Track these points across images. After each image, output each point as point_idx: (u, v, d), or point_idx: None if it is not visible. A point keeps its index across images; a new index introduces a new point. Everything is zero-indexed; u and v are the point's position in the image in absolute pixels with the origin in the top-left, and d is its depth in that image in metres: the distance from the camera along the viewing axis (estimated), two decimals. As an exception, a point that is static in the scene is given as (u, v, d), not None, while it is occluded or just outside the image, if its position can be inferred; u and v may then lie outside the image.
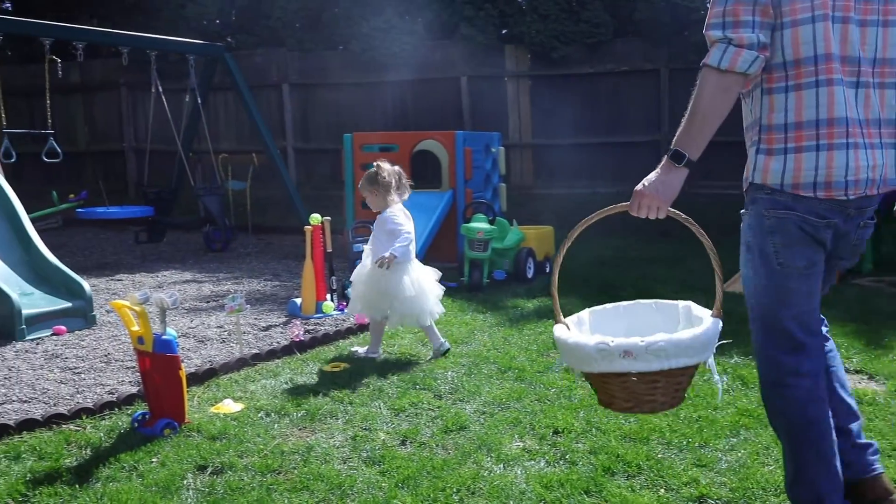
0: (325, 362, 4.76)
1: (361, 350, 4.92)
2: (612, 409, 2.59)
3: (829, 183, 2.32)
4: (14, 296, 5.44)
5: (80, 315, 5.73)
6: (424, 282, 4.76)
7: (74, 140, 13.90)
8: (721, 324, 2.48)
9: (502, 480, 3.15)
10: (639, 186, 2.42)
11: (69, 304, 5.70)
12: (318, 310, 5.85)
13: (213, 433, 3.65)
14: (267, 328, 5.55)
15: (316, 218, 5.93)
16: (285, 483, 3.17)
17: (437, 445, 3.53)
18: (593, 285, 6.81)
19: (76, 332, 5.59)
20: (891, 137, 2.40)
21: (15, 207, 6.24)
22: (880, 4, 2.32)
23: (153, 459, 3.39)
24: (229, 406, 3.97)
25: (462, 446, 3.50)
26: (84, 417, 3.84)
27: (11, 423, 3.70)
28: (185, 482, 3.19)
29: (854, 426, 2.57)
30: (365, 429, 3.72)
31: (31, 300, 5.66)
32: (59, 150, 8.21)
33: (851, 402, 2.61)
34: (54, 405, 4.02)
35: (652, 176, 2.41)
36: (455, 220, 8.52)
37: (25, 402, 4.10)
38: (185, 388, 3.73)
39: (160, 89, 9.10)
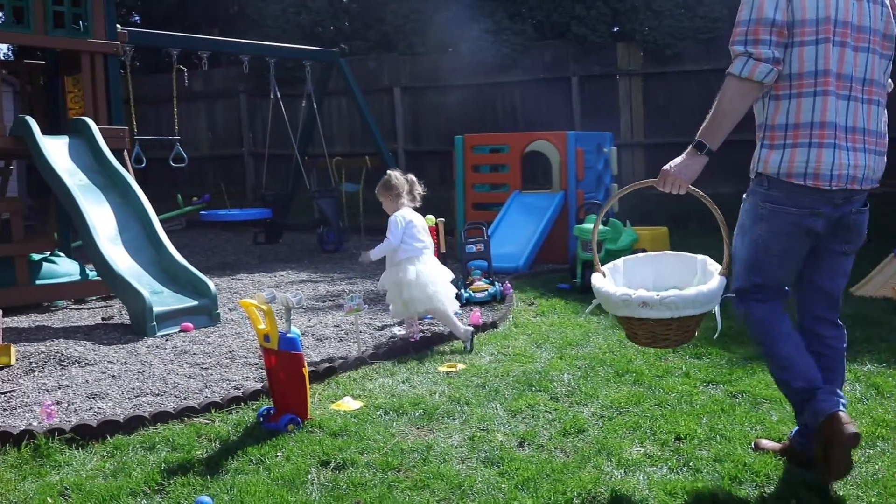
0: (441, 362, 4.79)
1: (399, 330, 5.34)
2: (636, 343, 3.21)
3: (816, 174, 2.83)
4: (146, 294, 5.73)
5: (206, 313, 5.97)
6: (435, 275, 5.10)
7: (197, 145, 14.53)
8: (726, 281, 3.06)
9: (624, 486, 3.09)
10: (666, 167, 2.97)
11: (196, 303, 5.95)
12: (432, 310, 5.89)
13: (334, 430, 3.73)
14: (382, 328, 5.65)
15: (430, 219, 5.99)
16: (406, 481, 3.21)
17: (555, 448, 3.49)
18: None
19: (202, 329, 5.83)
20: (873, 145, 2.92)
21: (146, 210, 6.57)
22: (871, 35, 2.86)
23: (278, 453, 3.49)
24: (349, 404, 4.05)
25: (581, 450, 3.45)
26: (213, 411, 4.00)
27: (146, 415, 3.88)
28: (309, 476, 3.27)
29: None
30: (482, 429, 3.73)
31: (161, 298, 5.94)
32: (184, 155, 8.60)
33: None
34: (184, 399, 4.20)
35: (678, 160, 2.96)
36: (566, 221, 8.45)
37: (158, 395, 4.30)
38: (308, 385, 3.83)
39: (278, 95, 9.40)
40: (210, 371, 4.72)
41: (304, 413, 3.81)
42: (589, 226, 6.95)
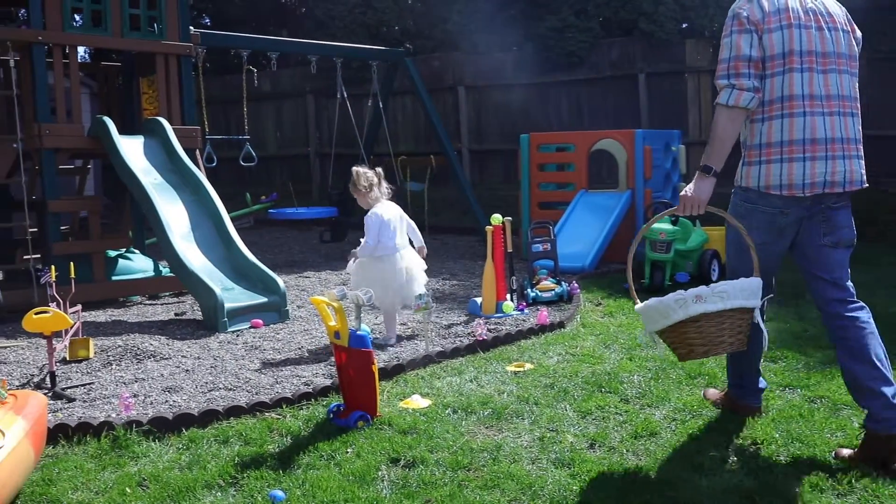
0: (508, 361, 4.77)
1: (380, 338, 5.24)
2: (691, 358, 3.35)
3: (790, 185, 3.27)
4: (217, 290, 5.84)
5: (275, 309, 6.06)
6: (415, 269, 5.18)
7: (264, 145, 14.77)
8: (761, 281, 3.30)
9: (699, 490, 3.02)
10: (682, 193, 3.41)
11: (266, 299, 6.04)
12: (499, 309, 5.88)
13: (403, 427, 3.74)
14: (449, 326, 5.65)
15: (497, 218, 5.97)
16: (476, 480, 3.20)
17: (627, 451, 3.44)
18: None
19: (271, 325, 5.92)
20: (851, 151, 3.31)
21: (218, 208, 6.70)
22: (836, 58, 3.32)
23: (349, 450, 3.52)
24: (417, 402, 4.06)
25: (654, 453, 3.40)
26: (284, 406, 4.05)
27: (220, 409, 3.96)
28: (379, 473, 3.28)
29: (887, 390, 3.19)
30: (552, 430, 3.69)
31: (232, 295, 6.05)
32: (254, 154, 8.75)
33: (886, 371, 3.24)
34: (256, 394, 4.27)
35: (691, 185, 3.39)
36: (633, 220, 8.34)
37: (230, 389, 4.38)
38: (377, 383, 3.85)
39: (345, 95, 9.49)
40: (280, 367, 4.78)
41: (374, 410, 3.83)
42: (658, 226, 6.84)
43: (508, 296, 6.02)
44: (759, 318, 3.31)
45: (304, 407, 4.07)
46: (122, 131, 6.98)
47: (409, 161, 10.74)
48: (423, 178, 10.65)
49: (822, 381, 4.24)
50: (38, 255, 6.92)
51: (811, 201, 3.31)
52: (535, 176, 9.11)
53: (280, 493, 3.10)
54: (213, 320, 5.80)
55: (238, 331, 5.76)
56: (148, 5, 7.22)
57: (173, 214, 6.49)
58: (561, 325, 5.59)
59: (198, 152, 7.49)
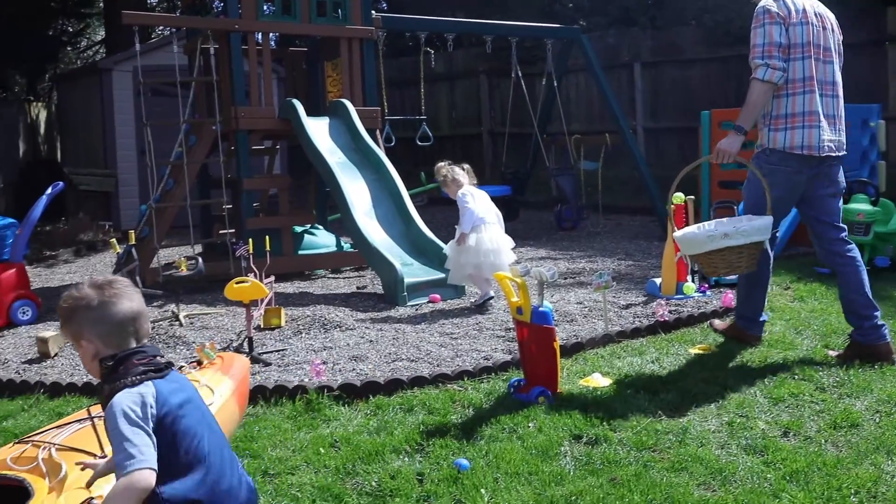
0: (692, 344, 4.62)
1: (477, 299, 5.73)
2: (715, 276, 4.81)
3: (809, 146, 4.12)
4: (398, 265, 6.02)
5: (452, 286, 6.16)
6: (501, 242, 5.66)
7: (438, 125, 15.02)
8: (771, 219, 4.14)
9: (910, 488, 2.81)
10: (718, 145, 4.25)
11: (443, 275, 6.15)
12: (679, 291, 5.70)
13: (584, 405, 3.71)
14: (627, 306, 5.54)
15: (679, 197, 5.78)
16: (662, 461, 3.13)
17: (825, 441, 3.26)
18: None
19: (448, 301, 6.04)
20: (839, 125, 4.24)
21: (398, 187, 6.91)
22: (831, 52, 4.25)
23: (530, 424, 3.54)
24: (598, 380, 4.02)
25: (856, 445, 3.19)
26: (465, 379, 4.13)
27: (405, 378, 4.09)
28: (561, 449, 3.28)
29: (875, 314, 4.21)
30: (741, 416, 3.55)
31: (411, 270, 6.22)
32: (430, 134, 8.92)
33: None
34: (437, 366, 4.37)
35: (725, 139, 4.24)
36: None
37: (412, 361, 4.51)
38: (558, 359, 3.84)
39: (519, 74, 9.47)
40: (459, 341, 4.87)
41: (555, 386, 3.83)
42: (854, 206, 6.39)
43: (689, 277, 5.82)
44: (767, 247, 4.20)
45: (484, 380, 4.13)
46: (307, 113, 7.31)
47: (582, 140, 10.58)
48: (596, 156, 10.46)
49: None
50: (233, 230, 7.40)
51: (818, 161, 4.17)
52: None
53: (465, 462, 3.16)
54: (393, 294, 5.99)
55: (417, 305, 5.91)
56: (333, -8, 7.50)
57: (356, 192, 6.75)
58: (746, 308, 5.34)
59: (378, 132, 7.73)
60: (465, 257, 5.61)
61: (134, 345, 2.11)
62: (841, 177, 4.33)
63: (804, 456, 3.10)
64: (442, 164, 6.00)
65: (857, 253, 4.28)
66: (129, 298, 2.12)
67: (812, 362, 4.19)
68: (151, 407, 1.99)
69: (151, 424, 1.98)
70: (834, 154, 4.20)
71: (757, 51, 4.12)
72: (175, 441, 2.01)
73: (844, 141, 4.30)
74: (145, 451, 1.92)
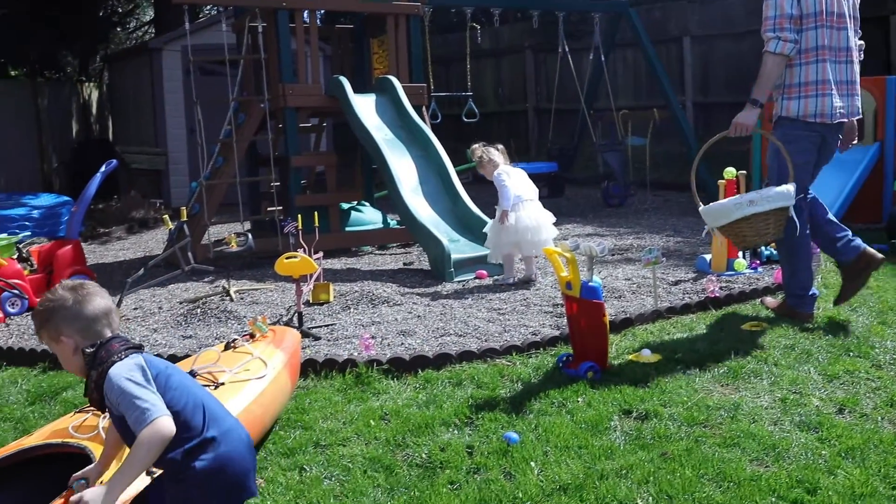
0: (743, 320, 4.56)
1: (499, 277, 5.85)
2: (744, 247, 4.60)
3: (822, 114, 4.25)
4: (445, 241, 6.03)
5: (499, 263, 6.15)
6: (541, 218, 5.66)
7: (483, 102, 14.95)
8: (794, 187, 4.21)
9: (971, 466, 2.75)
10: (734, 119, 4.35)
11: (489, 252, 6.15)
12: (730, 267, 5.62)
13: (634, 380, 3.69)
14: (676, 283, 5.48)
15: (731, 172, 5.69)
16: (714, 437, 3.11)
17: (882, 419, 3.20)
18: None
19: (494, 277, 6.03)
20: (852, 91, 4.36)
21: (444, 163, 6.90)
22: (846, 19, 4.29)
23: (579, 398, 3.53)
24: (647, 356, 3.99)
25: (914, 422, 3.13)
26: (513, 354, 4.13)
27: (453, 353, 4.11)
28: (611, 423, 3.27)
29: (841, 234, 4.50)
30: (795, 392, 3.50)
31: (458, 246, 6.23)
32: (476, 110, 8.89)
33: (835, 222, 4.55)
34: (485, 341, 4.38)
35: (741, 113, 4.33)
36: (881, 176, 7.63)
37: (461, 336, 4.53)
38: (608, 334, 3.82)
39: (566, 49, 9.37)
40: (507, 316, 4.87)
41: (604, 361, 3.81)
42: None
43: (741, 253, 5.73)
44: (793, 214, 4.23)
45: (532, 355, 4.13)
46: (354, 90, 7.33)
47: (630, 115, 10.46)
48: (644, 132, 10.33)
49: None
50: (281, 207, 7.48)
51: (831, 129, 4.33)
52: (767, 128, 8.52)
53: (514, 436, 3.17)
54: (440, 270, 6.00)
55: (463, 281, 5.92)
56: (380, -33, 7.48)
57: (403, 169, 6.76)
58: (799, 285, 5.25)
59: (424, 109, 7.72)
60: (506, 235, 5.63)
61: (109, 334, 2.27)
62: (836, 144, 4.50)
63: (860, 433, 3.05)
64: (476, 145, 6.05)
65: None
66: (101, 296, 2.30)
67: (868, 339, 4.11)
68: (146, 371, 2.18)
69: (153, 385, 2.16)
70: (845, 120, 4.36)
71: (769, 23, 4.21)
72: (175, 396, 2.20)
73: (859, 105, 4.41)
74: (157, 402, 2.12)
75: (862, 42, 4.54)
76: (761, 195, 4.17)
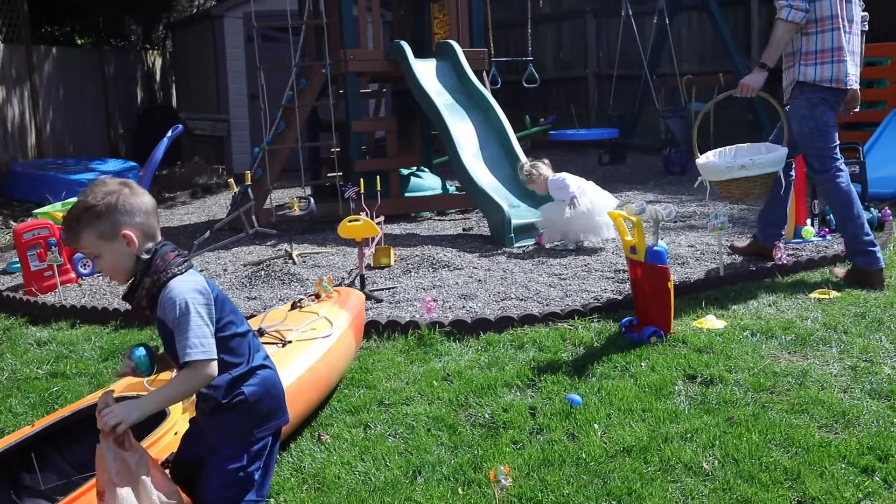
0: (811, 288, 4.47)
1: (559, 242, 5.83)
2: (730, 200, 5.26)
3: (838, 79, 4.50)
4: (505, 206, 6.02)
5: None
6: (599, 202, 5.70)
7: (543, 67, 14.75)
8: (787, 151, 4.57)
9: None
10: (742, 80, 4.64)
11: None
12: (797, 235, 5.49)
13: (698, 346, 3.66)
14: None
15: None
16: (780, 403, 3.07)
17: (958, 388, 3.11)
18: None
19: (554, 242, 6.00)
20: (857, 60, 4.64)
21: (505, 128, 6.86)
22: None
23: (643, 363, 3.51)
24: (712, 322, 3.95)
25: None
26: (575, 318, 4.13)
27: (514, 316, 4.11)
28: (675, 388, 3.25)
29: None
30: (865, 360, 3.43)
31: (518, 212, 6.21)
32: (537, 76, 8.79)
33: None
34: (547, 305, 4.38)
35: (749, 75, 4.61)
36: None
37: (522, 300, 4.53)
38: (672, 300, 3.78)
39: (629, 12, 9.18)
40: (568, 281, 4.85)
41: (668, 327, 3.78)
42: None
43: (809, 221, 5.60)
44: (780, 175, 4.65)
45: (594, 320, 4.12)
46: (415, 55, 7.31)
47: (694, 80, 10.23)
48: (709, 97, 10.09)
49: None
50: (341, 173, 7.53)
51: (841, 91, 4.54)
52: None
53: (577, 398, 3.18)
54: (500, 235, 6.00)
55: (523, 246, 5.91)
56: (441, -70, 7.41)
57: (463, 134, 6.74)
58: (870, 253, 5.11)
59: (484, 74, 7.67)
60: (576, 223, 5.67)
61: (160, 236, 2.17)
62: (839, 109, 4.68)
63: (935, 402, 2.98)
64: (523, 162, 6.17)
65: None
66: (147, 194, 2.17)
67: (943, 309, 3.99)
68: (209, 295, 2.10)
69: (211, 310, 2.09)
70: (855, 87, 4.62)
71: None
72: (234, 320, 2.18)
73: (859, 75, 4.70)
74: (211, 342, 2.05)
75: (866, 13, 4.74)
76: (754, 161, 4.53)
